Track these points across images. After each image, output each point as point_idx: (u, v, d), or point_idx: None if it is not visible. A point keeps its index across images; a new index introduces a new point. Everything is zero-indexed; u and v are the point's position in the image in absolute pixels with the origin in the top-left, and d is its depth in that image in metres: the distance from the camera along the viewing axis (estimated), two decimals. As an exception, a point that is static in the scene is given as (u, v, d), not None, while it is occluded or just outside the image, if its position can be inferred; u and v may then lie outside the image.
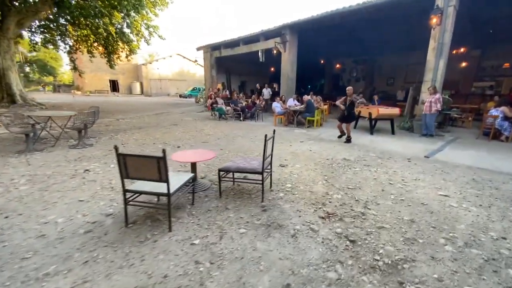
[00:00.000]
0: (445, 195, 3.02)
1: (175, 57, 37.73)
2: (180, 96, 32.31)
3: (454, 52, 11.41)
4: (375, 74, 18.69)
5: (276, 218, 2.39)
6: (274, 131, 3.09)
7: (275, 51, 12.10)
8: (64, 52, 18.90)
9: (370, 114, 7.65)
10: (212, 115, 11.45)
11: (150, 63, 36.48)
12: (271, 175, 3.19)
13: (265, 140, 2.59)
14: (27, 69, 46.21)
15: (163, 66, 36.73)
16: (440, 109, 6.99)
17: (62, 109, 13.68)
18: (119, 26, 14.44)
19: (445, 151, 5.76)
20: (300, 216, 2.43)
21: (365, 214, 2.53)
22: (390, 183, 3.45)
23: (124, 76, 37.00)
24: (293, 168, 4.13)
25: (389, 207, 2.71)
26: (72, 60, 19.15)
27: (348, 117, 6.65)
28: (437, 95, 6.98)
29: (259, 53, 13.12)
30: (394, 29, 12.91)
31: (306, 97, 8.88)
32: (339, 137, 6.99)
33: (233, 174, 3.18)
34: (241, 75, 20.64)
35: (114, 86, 36.87)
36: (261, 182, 2.72)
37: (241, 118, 10.67)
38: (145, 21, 15.78)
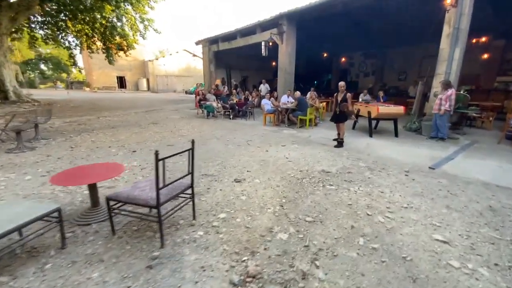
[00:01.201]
0: (444, 241, 2.02)
1: (182, 53, 37.27)
2: (186, 92, 31.88)
3: (473, 41, 9.95)
4: (385, 69, 17.25)
5: (157, 285, 1.53)
6: (193, 141, 2.21)
7: (270, 43, 11.08)
8: (64, 48, 18.65)
9: (369, 113, 6.57)
10: (200, 112, 10.64)
11: (157, 59, 36.20)
12: (193, 202, 2.31)
13: (157, 160, 1.71)
14: (42, 66, 47.50)
15: (169, 62, 36.39)
16: (449, 109, 5.81)
17: (56, 106, 13.39)
18: (111, 19, 13.82)
19: (456, 160, 4.65)
20: (197, 282, 1.55)
21: (306, 278, 1.61)
22: (368, 214, 2.48)
23: (131, 73, 37.01)
24: (249, 185, 3.22)
25: (349, 263, 1.77)
26: (72, 56, 18.94)
27: (341, 116, 5.65)
28: (449, 92, 5.80)
29: (262, 46, 11.96)
30: (406, 17, 11.54)
31: (297, 94, 7.87)
32: (335, 139, 6.01)
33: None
34: (242, 70, 19.72)
35: (121, 82, 36.97)
36: (157, 220, 1.85)
37: (231, 117, 9.81)
38: (139, 14, 15.17)
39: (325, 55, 18.33)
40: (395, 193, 3.05)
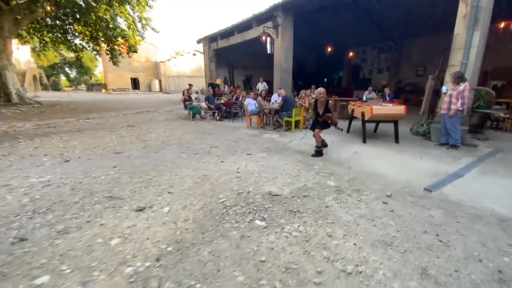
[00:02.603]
0: None
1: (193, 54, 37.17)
2: (196, 92, 31.73)
3: (501, 25, 8.24)
4: (402, 63, 15.59)
5: None
6: None
7: (264, 38, 10.09)
8: (71, 51, 18.77)
9: (362, 114, 5.43)
10: (189, 114, 9.94)
11: (169, 60, 36.43)
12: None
13: None
14: (67, 69, 50.02)
15: (181, 63, 36.50)
16: (461, 109, 4.52)
17: (55, 107, 13.40)
18: (106, 19, 13.53)
19: (467, 178, 3.45)
20: None
21: None
22: None
23: (144, 74, 37.58)
24: (147, 217, 2.35)
25: None
26: (79, 59, 19.18)
27: (320, 123, 4.62)
28: (461, 87, 4.52)
29: (268, 43, 10.81)
30: (425, 4, 10.11)
31: (282, 92, 6.86)
32: (318, 146, 5.02)
33: None
34: (246, 68, 18.87)
35: (135, 84, 37.68)
36: None
37: (217, 118, 8.99)
38: (137, 14, 14.86)
39: (335, 50, 16.94)
40: (350, 239, 2.02)
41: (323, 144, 5.07)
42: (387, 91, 8.19)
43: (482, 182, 3.32)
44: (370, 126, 6.39)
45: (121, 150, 4.85)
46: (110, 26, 13.45)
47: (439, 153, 4.60)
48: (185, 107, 9.44)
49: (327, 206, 2.58)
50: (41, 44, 17.67)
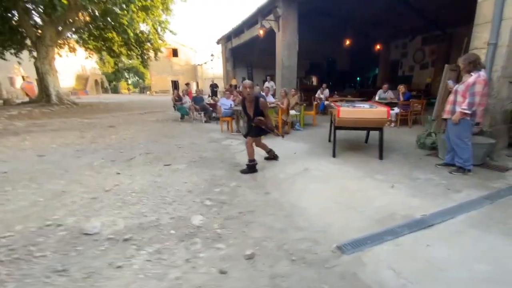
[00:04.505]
0: None
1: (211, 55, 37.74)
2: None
3: None
4: (452, 56, 12.61)
5: None
6: None
7: (261, 32, 9.03)
8: (111, 57, 20.28)
9: (335, 118, 4.05)
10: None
11: (205, 63, 37.64)
12: None
13: None
14: (126, 74, 56.32)
15: (217, 65, 37.33)
16: (469, 112, 2.85)
17: (86, 107, 14.63)
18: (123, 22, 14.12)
19: (436, 231, 1.98)
20: None
21: None
22: None
23: (184, 77, 39.51)
24: None
25: None
26: (116, 63, 20.77)
27: (255, 129, 3.51)
28: (471, 78, 2.87)
29: None
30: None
31: (256, 89, 5.76)
32: (266, 158, 3.95)
33: None
34: (266, 68, 17.80)
35: (175, 86, 39.98)
36: None
37: (203, 120, 8.32)
38: (156, 18, 15.29)
39: (369, 45, 14.71)
40: None
41: (273, 156, 3.94)
42: (401, 89, 6.33)
43: (458, 245, 1.84)
44: (361, 134, 4.90)
45: (47, 153, 4.50)
46: (128, 31, 13.99)
47: (430, 179, 3.02)
48: (174, 108, 9.02)
49: (109, 264, 1.58)
50: (87, 52, 19.51)
